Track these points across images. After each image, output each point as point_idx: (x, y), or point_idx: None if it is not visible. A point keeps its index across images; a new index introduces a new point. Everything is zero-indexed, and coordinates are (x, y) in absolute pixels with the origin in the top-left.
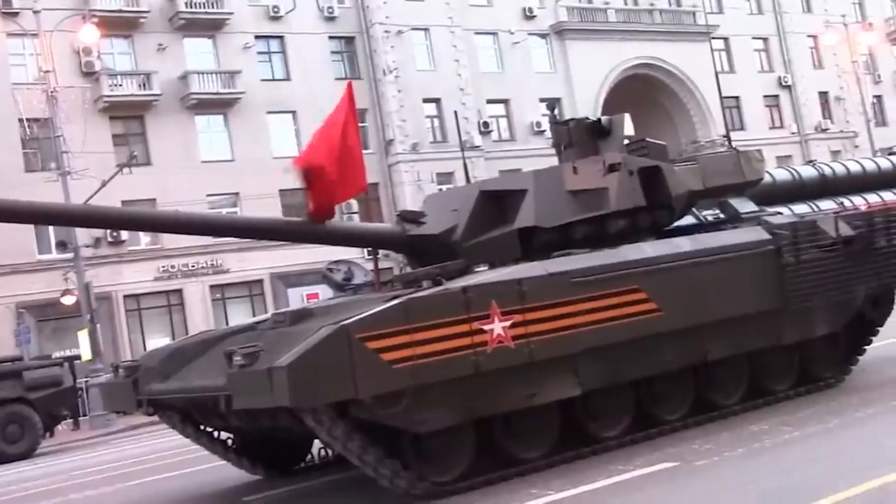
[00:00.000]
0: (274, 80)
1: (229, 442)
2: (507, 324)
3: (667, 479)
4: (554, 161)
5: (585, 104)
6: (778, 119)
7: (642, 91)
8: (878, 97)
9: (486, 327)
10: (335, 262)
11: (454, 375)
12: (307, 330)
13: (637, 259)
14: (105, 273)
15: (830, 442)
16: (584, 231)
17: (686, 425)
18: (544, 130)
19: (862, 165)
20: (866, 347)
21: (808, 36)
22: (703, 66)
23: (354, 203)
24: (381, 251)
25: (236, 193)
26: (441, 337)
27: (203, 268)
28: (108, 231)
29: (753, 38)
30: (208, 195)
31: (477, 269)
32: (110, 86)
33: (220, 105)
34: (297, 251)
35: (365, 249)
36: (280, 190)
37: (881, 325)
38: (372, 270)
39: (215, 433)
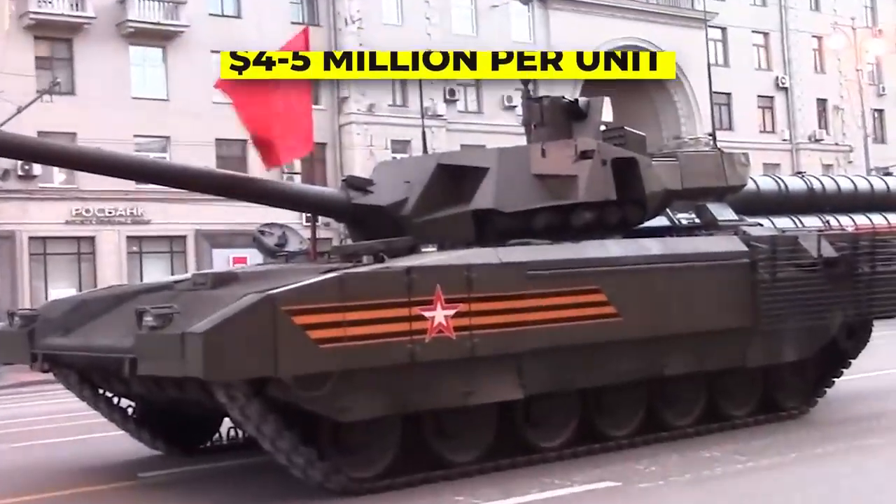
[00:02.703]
0: (223, 15)
1: (130, 411)
2: (451, 313)
3: (605, 499)
4: (522, 140)
5: (563, 82)
6: (770, 123)
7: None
8: (880, 111)
9: (427, 314)
10: (268, 224)
11: (386, 363)
12: (229, 296)
13: (600, 257)
14: (11, 209)
15: (785, 477)
16: (546, 220)
17: (633, 443)
18: (515, 106)
19: (854, 183)
20: (836, 380)
21: (813, 36)
22: (695, 55)
23: (297, 162)
24: (320, 218)
25: (167, 137)
26: (377, 319)
27: (121, 215)
28: (20, 163)
29: (753, 31)
30: (136, 136)
31: (425, 249)
32: (39, 2)
33: (159, 37)
34: (228, 208)
35: (303, 214)
36: (217, 139)
37: (854, 358)
38: (309, 238)
39: (115, 399)
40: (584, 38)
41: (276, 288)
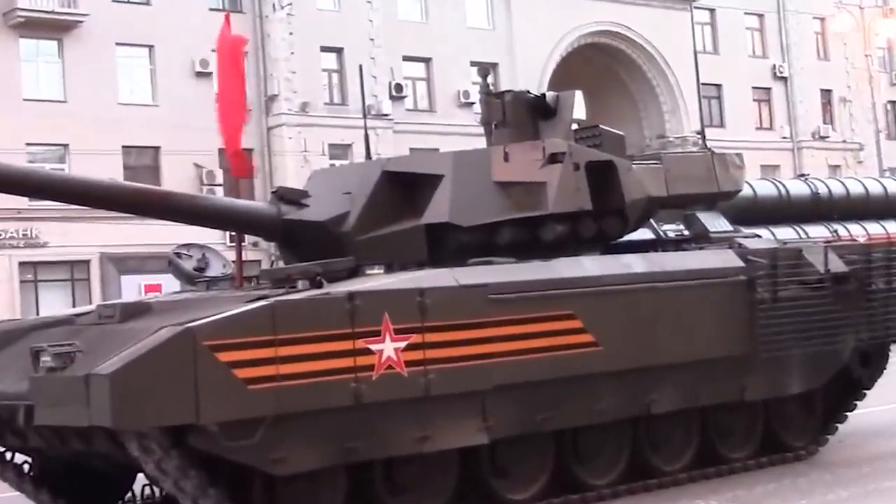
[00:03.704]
0: (129, 2)
1: (26, 467)
2: (402, 345)
3: None
4: (481, 142)
5: (529, 74)
6: (767, 118)
7: (602, 65)
8: (894, 103)
9: (373, 347)
10: (186, 245)
11: (328, 405)
12: (142, 330)
13: (575, 277)
14: None
15: None
16: (511, 235)
17: (616, 493)
18: (473, 103)
19: (865, 186)
20: (848, 414)
21: (815, 18)
22: (680, 41)
23: (219, 173)
24: (247, 237)
25: (66, 145)
26: (315, 354)
27: (12, 238)
28: None
29: (746, 13)
30: (28, 144)
31: (369, 272)
32: None
33: (54, 28)
34: (138, 228)
35: (227, 233)
36: (124, 146)
37: (869, 388)
38: (233, 261)
39: (8, 454)
40: (551, 24)
41: (197, 320)
